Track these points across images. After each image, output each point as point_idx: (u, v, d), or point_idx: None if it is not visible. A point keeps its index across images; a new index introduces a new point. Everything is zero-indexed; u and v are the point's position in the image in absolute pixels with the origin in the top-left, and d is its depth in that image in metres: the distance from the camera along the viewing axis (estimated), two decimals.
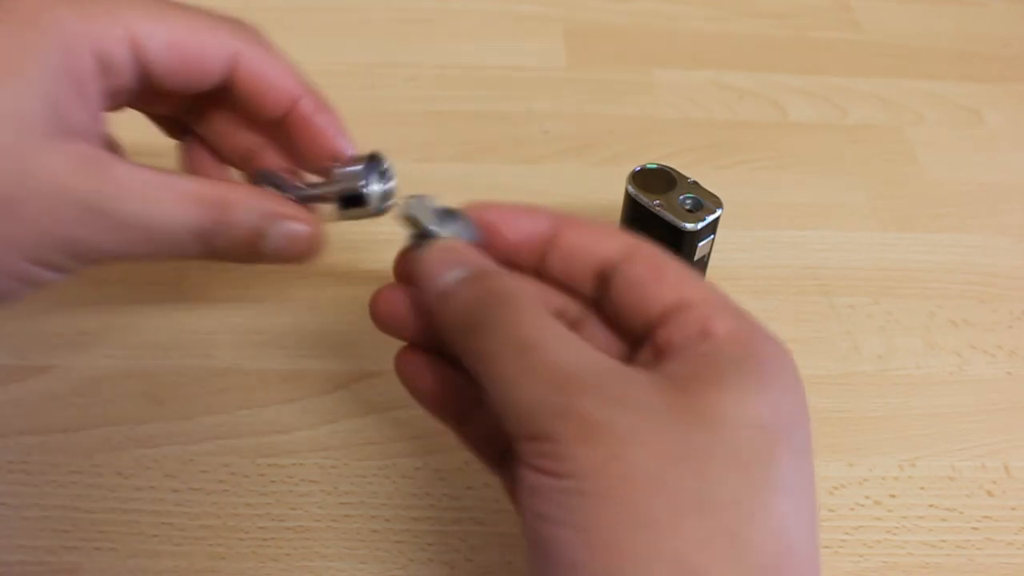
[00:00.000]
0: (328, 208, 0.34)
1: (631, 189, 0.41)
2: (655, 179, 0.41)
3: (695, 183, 0.41)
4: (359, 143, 0.51)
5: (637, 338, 0.29)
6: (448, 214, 0.31)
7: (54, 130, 0.29)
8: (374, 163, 0.34)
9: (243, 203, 0.32)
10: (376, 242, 0.46)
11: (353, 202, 0.34)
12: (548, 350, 0.25)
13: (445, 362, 0.32)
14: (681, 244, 0.40)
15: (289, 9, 0.59)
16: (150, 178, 0.30)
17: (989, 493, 0.39)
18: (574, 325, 0.30)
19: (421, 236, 0.31)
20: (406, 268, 0.32)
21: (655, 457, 0.24)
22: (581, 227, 0.30)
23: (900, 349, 0.44)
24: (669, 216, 0.39)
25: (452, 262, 0.29)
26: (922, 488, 0.39)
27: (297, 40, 0.57)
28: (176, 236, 0.30)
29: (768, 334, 0.27)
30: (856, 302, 0.46)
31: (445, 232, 0.30)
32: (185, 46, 0.31)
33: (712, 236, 0.41)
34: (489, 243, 0.31)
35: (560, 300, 0.31)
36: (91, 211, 0.29)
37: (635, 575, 0.23)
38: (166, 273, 0.44)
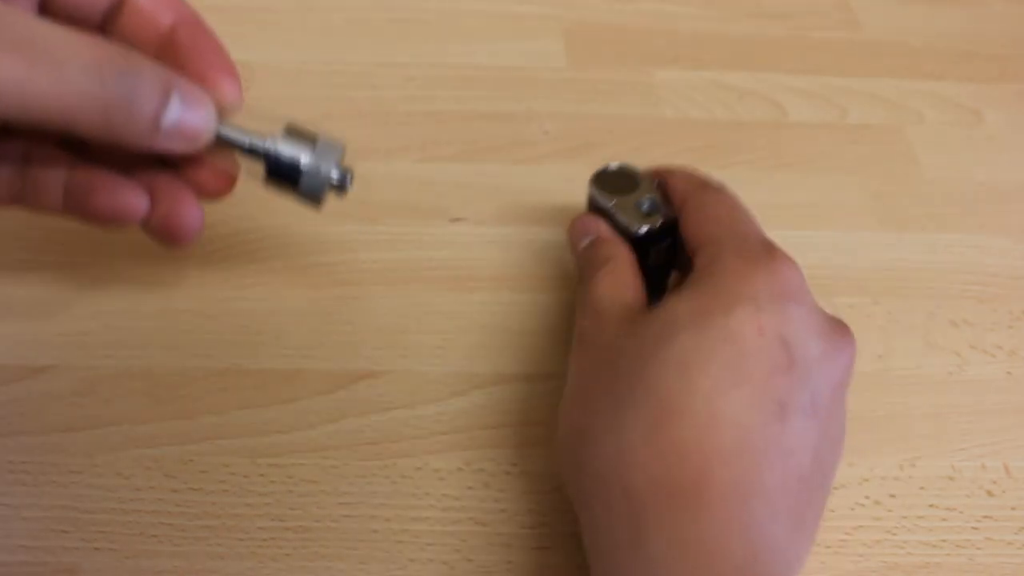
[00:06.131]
0: (254, 168, 0.31)
1: (591, 188, 0.40)
2: (620, 180, 0.41)
3: (661, 184, 0.40)
4: (359, 143, 0.51)
5: None
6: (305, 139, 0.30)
7: None
8: (330, 149, 0.32)
9: (149, 67, 0.29)
10: (376, 242, 0.46)
11: (283, 175, 0.30)
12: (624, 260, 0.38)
13: None
14: (634, 247, 0.39)
15: (289, 9, 0.59)
16: (53, 23, 0.28)
17: (989, 493, 0.39)
18: None
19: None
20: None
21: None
22: None
23: (900, 349, 0.44)
24: (621, 218, 0.39)
25: (584, 231, 0.40)
26: (922, 488, 0.39)
27: (297, 40, 0.58)
28: (76, 85, 0.27)
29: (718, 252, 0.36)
30: (856, 302, 0.46)
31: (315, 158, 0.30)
32: None
33: (669, 240, 0.40)
34: None
35: None
36: None
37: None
38: (166, 273, 0.44)
